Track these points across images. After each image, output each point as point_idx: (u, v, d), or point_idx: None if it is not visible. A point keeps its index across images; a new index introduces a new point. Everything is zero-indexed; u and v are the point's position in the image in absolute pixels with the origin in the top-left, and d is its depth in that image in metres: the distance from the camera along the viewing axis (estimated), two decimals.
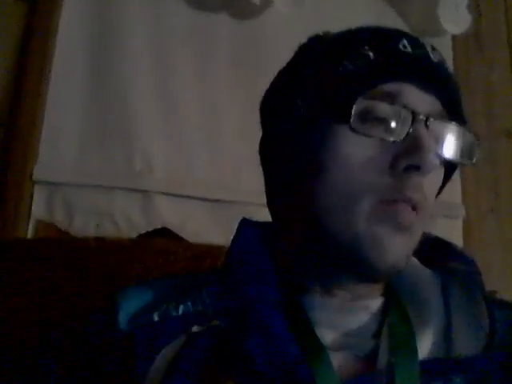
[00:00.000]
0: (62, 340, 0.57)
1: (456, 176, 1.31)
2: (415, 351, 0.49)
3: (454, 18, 1.26)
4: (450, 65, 1.24)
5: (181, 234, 1.09)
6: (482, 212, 1.26)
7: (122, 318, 0.53)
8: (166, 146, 1.13)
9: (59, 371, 0.54)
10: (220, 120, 1.16)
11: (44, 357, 0.57)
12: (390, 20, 1.25)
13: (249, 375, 0.46)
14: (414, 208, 0.49)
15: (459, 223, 1.24)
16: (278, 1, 1.20)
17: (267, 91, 0.61)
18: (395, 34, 0.54)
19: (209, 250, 0.92)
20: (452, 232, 1.21)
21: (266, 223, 0.60)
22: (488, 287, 0.54)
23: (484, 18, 1.34)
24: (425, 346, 0.51)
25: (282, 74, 0.60)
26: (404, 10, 1.30)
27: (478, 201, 1.26)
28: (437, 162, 0.49)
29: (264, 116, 0.61)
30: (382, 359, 0.49)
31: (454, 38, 1.29)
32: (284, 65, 0.60)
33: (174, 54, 1.17)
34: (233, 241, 0.58)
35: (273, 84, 0.60)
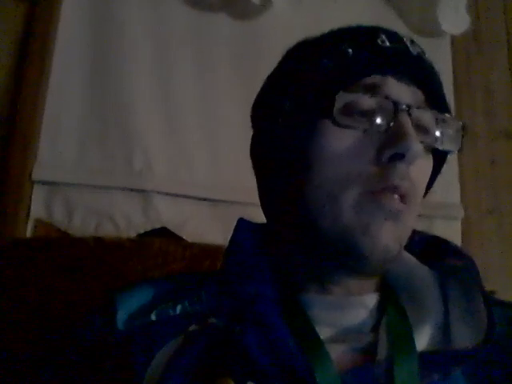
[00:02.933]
0: (59, 340, 0.57)
1: (455, 176, 1.32)
2: (413, 345, 0.49)
3: (453, 19, 1.26)
4: (448, 65, 1.24)
5: (180, 234, 1.09)
6: (481, 212, 1.26)
7: (120, 317, 0.53)
8: (165, 145, 1.13)
9: (58, 371, 0.54)
10: (220, 119, 1.16)
11: (42, 357, 0.57)
12: (389, 21, 1.25)
13: (247, 371, 0.47)
14: (402, 197, 0.50)
15: (458, 224, 1.24)
16: (278, 1, 1.20)
17: (257, 95, 0.62)
18: (373, 30, 0.55)
19: (208, 250, 0.92)
20: (451, 233, 1.21)
21: (262, 224, 0.61)
22: (487, 288, 0.55)
23: (483, 18, 1.34)
24: (423, 340, 0.51)
25: (270, 78, 0.61)
26: (403, 11, 1.30)
27: (477, 201, 1.26)
28: (421, 149, 0.50)
29: (254, 119, 0.62)
30: (381, 352, 0.49)
31: (453, 38, 1.29)
32: (272, 69, 0.61)
33: (174, 54, 1.17)
34: (230, 241, 0.59)
35: (262, 88, 0.62)
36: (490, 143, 1.28)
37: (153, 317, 0.53)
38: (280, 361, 0.47)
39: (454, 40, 1.29)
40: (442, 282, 0.56)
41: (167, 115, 1.14)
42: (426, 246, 0.59)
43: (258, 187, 0.62)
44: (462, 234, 1.23)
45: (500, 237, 1.25)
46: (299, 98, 0.54)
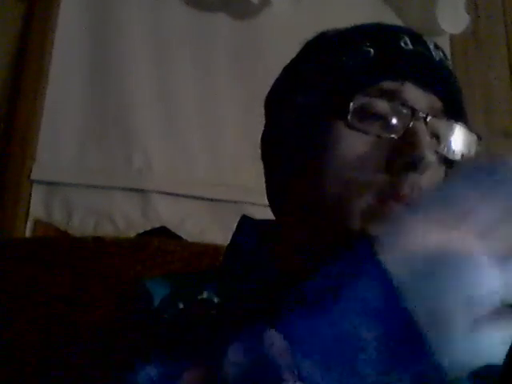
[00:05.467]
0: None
1: None
2: None
3: (452, 18, 1.26)
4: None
5: (179, 233, 1.09)
6: None
7: (156, 302, 0.52)
8: (165, 145, 1.13)
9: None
10: (219, 119, 1.16)
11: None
12: (388, 20, 1.25)
13: None
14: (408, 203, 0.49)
15: None
16: (277, 1, 1.20)
17: (272, 86, 0.61)
18: (397, 31, 0.53)
19: (207, 250, 0.91)
20: None
21: (266, 221, 0.60)
22: None
23: (482, 16, 1.34)
24: None
25: (286, 70, 0.60)
26: (402, 11, 1.30)
27: None
28: (434, 159, 0.49)
29: (267, 110, 0.61)
30: None
31: (452, 37, 1.29)
32: (288, 61, 0.60)
33: (174, 54, 1.17)
34: (232, 238, 0.58)
35: (277, 79, 0.60)
36: (488, 142, 1.27)
37: (180, 305, 0.51)
38: None
39: (453, 38, 1.29)
40: None
41: (167, 115, 1.14)
42: None
43: (266, 180, 0.61)
44: None
45: None
46: (314, 94, 0.53)
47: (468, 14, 1.27)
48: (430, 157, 0.48)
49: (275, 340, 0.32)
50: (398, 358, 0.33)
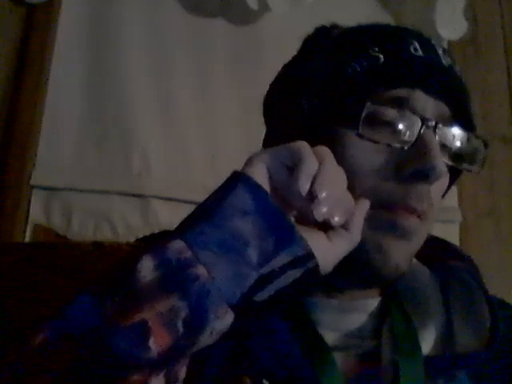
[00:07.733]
0: None
1: None
2: (418, 349, 0.49)
3: (451, 24, 1.26)
4: None
5: None
6: (479, 215, 1.26)
7: None
8: (164, 149, 1.13)
9: None
10: (219, 122, 1.16)
11: None
12: None
13: (260, 373, 0.46)
14: (419, 216, 0.49)
15: (456, 227, 1.24)
16: (275, 6, 1.20)
17: (271, 86, 0.59)
18: (406, 35, 0.53)
19: None
20: (449, 236, 1.21)
21: None
22: None
23: (480, 21, 1.35)
24: (427, 344, 0.50)
25: (287, 69, 0.58)
26: (401, 17, 1.31)
27: (475, 204, 1.26)
28: (445, 169, 0.48)
29: (267, 112, 0.60)
30: (385, 357, 0.49)
31: (450, 42, 1.30)
32: (289, 59, 0.59)
33: (173, 56, 1.17)
34: None
35: (277, 79, 0.59)
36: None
37: None
38: (285, 366, 0.46)
39: (451, 44, 1.29)
40: (444, 284, 0.55)
41: (166, 118, 1.14)
42: (427, 248, 0.58)
43: None
44: (460, 237, 1.23)
45: (498, 239, 1.25)
46: (320, 100, 0.51)
47: (466, 19, 1.27)
48: (442, 166, 0.47)
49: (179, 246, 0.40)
50: (274, 244, 0.40)
